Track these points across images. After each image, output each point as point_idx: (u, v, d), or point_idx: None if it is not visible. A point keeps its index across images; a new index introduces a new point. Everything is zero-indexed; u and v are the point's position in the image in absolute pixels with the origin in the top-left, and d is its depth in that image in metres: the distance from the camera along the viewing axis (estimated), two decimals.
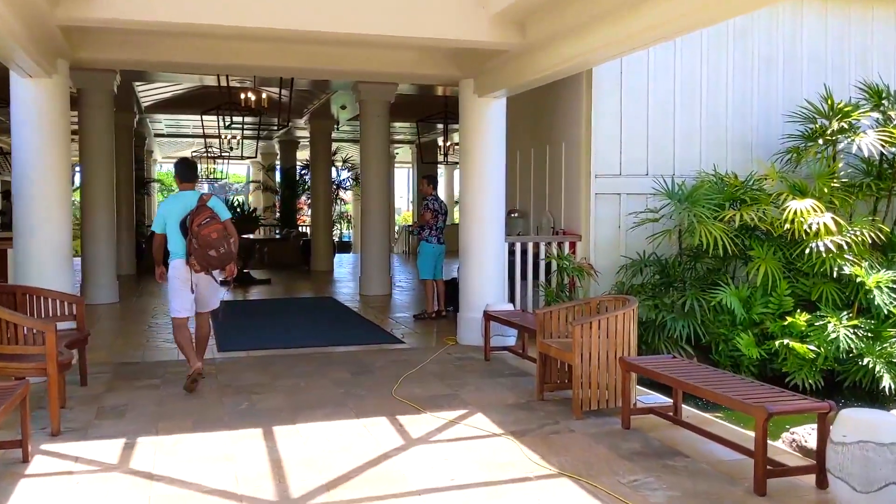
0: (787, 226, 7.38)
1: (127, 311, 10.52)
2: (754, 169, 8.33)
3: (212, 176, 25.80)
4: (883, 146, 7.63)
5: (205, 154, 21.25)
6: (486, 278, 7.98)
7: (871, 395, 7.04)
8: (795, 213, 7.35)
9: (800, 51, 8.95)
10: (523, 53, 6.77)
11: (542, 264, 8.46)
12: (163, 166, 39.00)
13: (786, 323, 7.26)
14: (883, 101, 7.96)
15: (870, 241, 7.45)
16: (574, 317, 5.96)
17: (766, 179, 8.05)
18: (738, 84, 8.78)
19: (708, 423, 5.27)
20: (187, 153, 26.18)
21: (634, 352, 5.50)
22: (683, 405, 5.31)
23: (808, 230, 7.32)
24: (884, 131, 7.68)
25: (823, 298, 7.45)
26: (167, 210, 6.07)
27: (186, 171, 6.31)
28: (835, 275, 7.29)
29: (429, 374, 6.71)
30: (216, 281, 6.19)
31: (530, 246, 8.49)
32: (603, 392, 5.40)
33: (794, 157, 8.34)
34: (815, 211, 7.35)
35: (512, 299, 8.31)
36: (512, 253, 8.42)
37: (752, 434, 4.17)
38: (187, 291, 6.05)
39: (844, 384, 7.25)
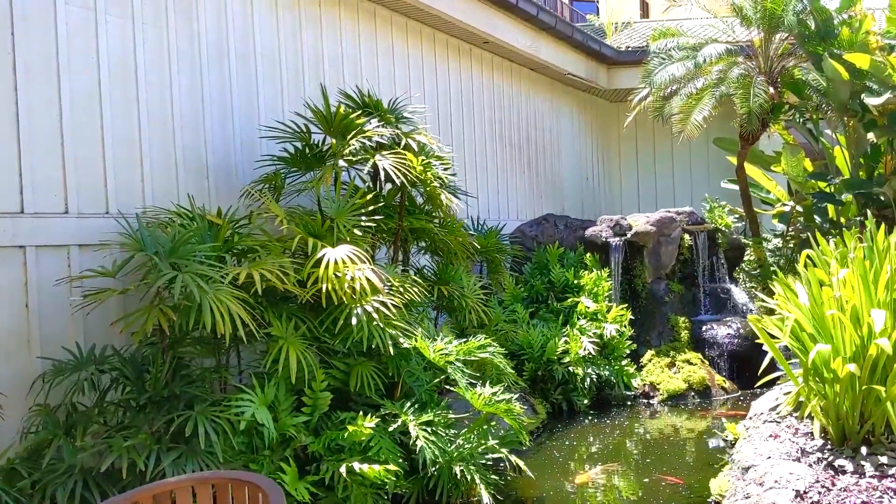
0: (327, 286, 4.89)
1: None
2: (218, 204, 5.61)
3: None
4: (401, 173, 5.80)
5: None
6: None
7: None
8: (335, 265, 4.94)
9: (252, 46, 6.56)
10: None
11: None
12: None
13: (344, 433, 4.74)
14: (389, 116, 6.17)
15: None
16: None
17: (254, 217, 5.42)
18: (186, 79, 5.88)
19: None
20: None
21: None
22: None
23: (352, 289, 4.98)
24: (400, 153, 5.85)
25: (364, 384, 5.19)
26: None
27: None
28: (391, 350, 5.09)
29: None
30: None
31: None
32: None
33: (275, 187, 5.91)
34: (355, 261, 5.05)
35: None
36: None
37: None
38: None
39: None
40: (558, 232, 9.79)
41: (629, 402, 8.33)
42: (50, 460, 4.12)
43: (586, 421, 7.75)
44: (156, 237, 4.60)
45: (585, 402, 8.01)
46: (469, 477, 4.90)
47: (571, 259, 9.30)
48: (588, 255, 9.32)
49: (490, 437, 5.47)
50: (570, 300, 8.69)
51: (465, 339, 5.78)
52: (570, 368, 7.99)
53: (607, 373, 8.27)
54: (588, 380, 8.05)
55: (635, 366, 8.64)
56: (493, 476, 5.16)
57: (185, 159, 5.82)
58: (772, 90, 10.52)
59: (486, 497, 4.91)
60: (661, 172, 15.47)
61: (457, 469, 4.92)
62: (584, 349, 8.08)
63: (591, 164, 14.60)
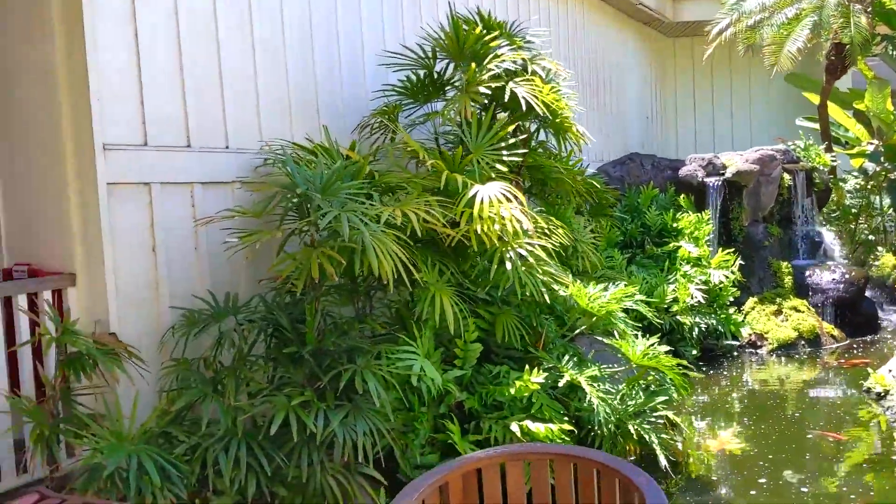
0: (480, 227, 4.38)
1: None
2: (333, 137, 5.07)
3: None
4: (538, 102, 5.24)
5: None
6: None
7: None
8: (490, 204, 4.42)
9: None
10: None
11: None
12: None
13: (510, 389, 4.30)
14: (517, 40, 5.59)
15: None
16: None
17: (391, 152, 4.90)
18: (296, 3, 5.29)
19: None
20: None
21: None
22: None
23: (503, 232, 4.48)
24: (531, 80, 5.29)
25: (511, 335, 4.73)
26: None
27: None
28: (546, 298, 4.61)
29: None
30: None
31: None
32: None
33: (388, 118, 5.35)
34: (510, 199, 4.54)
35: None
36: None
37: None
38: None
39: None
40: (645, 172, 9.25)
41: (735, 353, 7.89)
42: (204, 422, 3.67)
43: (698, 374, 7.31)
44: (303, 173, 4.09)
45: (694, 352, 7.55)
46: (647, 437, 4.46)
47: (663, 201, 8.78)
48: (682, 196, 8.79)
49: (643, 393, 5.01)
50: (670, 245, 8.18)
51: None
52: (678, 318, 7.52)
53: (714, 322, 7.80)
54: (696, 329, 7.59)
55: (741, 315, 8.17)
56: (663, 435, 4.71)
57: (296, 89, 5.25)
58: (864, 20, 9.89)
59: (662, 459, 4.47)
60: (719, 113, 14.82)
61: (631, 428, 4.48)
62: (693, 297, 7.60)
63: (650, 102, 13.96)
